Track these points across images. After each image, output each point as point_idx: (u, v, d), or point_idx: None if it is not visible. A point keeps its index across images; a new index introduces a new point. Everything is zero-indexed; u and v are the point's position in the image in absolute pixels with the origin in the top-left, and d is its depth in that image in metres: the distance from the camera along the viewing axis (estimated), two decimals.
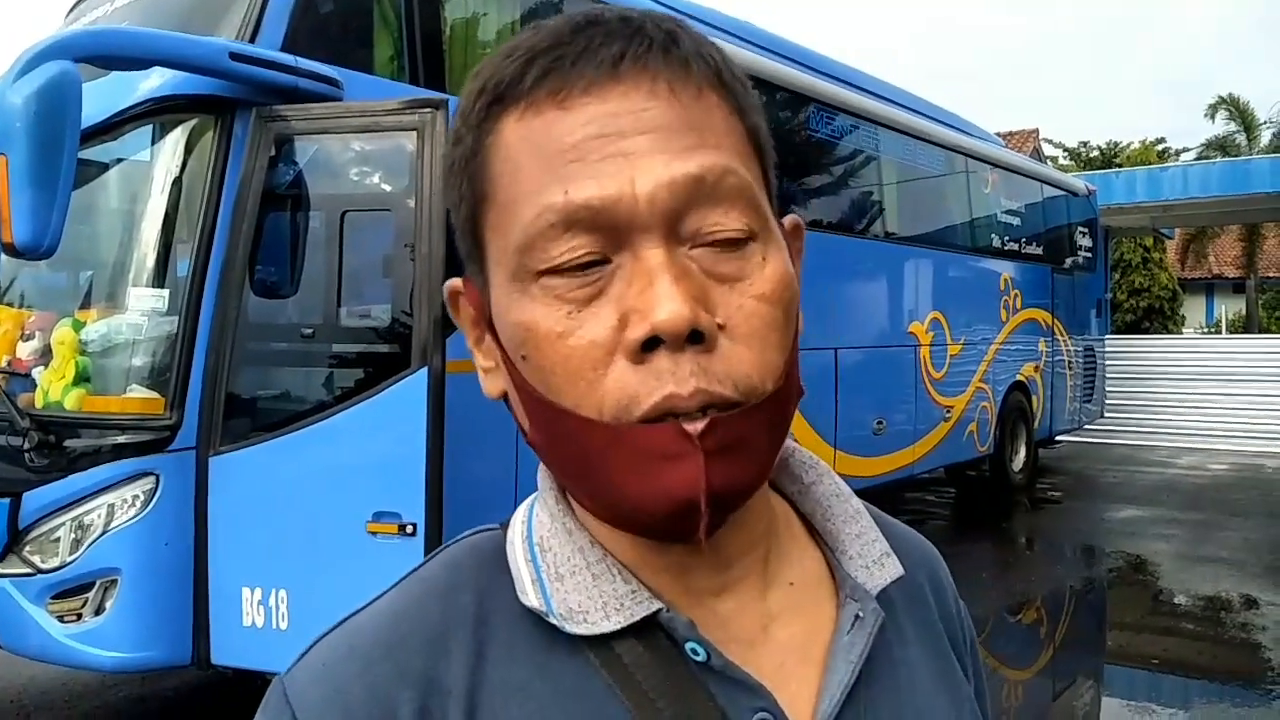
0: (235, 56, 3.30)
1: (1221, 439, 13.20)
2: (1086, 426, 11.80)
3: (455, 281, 0.58)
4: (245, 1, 3.57)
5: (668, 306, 0.46)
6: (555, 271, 0.48)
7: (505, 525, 0.59)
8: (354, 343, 3.63)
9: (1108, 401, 12.39)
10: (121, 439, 3.46)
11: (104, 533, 3.41)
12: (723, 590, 0.56)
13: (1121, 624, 6.02)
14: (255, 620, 3.41)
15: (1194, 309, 27.90)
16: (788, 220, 0.57)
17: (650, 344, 0.47)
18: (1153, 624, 5.84)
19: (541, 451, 0.54)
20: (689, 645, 0.52)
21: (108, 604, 3.42)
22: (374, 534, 3.33)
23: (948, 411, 8.07)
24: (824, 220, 6.73)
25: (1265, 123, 23.00)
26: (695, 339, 0.47)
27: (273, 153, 3.46)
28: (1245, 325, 22.85)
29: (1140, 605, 6.35)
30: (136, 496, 3.43)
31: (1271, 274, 24.34)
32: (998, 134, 14.61)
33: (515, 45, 0.51)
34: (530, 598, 0.54)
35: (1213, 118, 23.33)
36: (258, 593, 3.41)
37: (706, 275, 0.49)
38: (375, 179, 3.62)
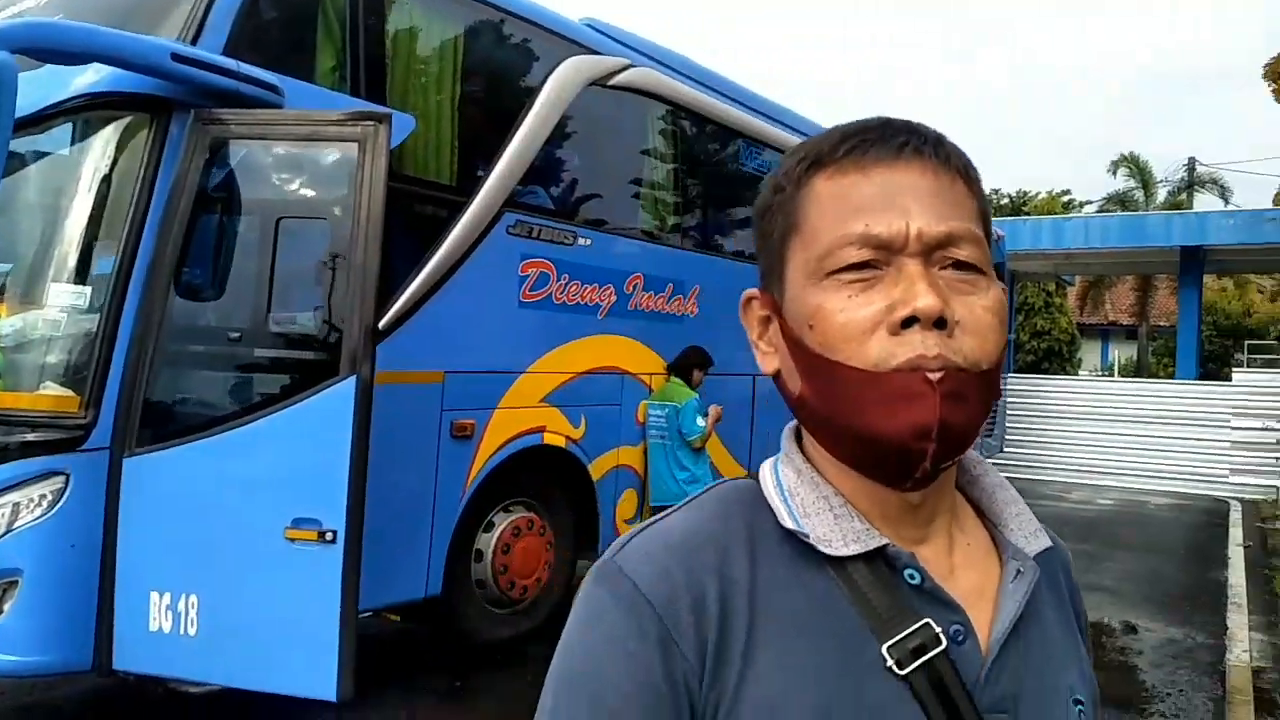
0: (177, 57, 3.29)
1: (1110, 475, 13.91)
2: (987, 460, 12.27)
3: (751, 290, 0.79)
4: (189, 3, 3.56)
5: (926, 299, 0.66)
6: (842, 270, 0.68)
7: (753, 476, 0.78)
8: (282, 349, 3.62)
9: (1008, 437, 12.93)
10: (31, 436, 3.38)
11: (7, 532, 3.33)
12: (923, 541, 0.75)
13: None
14: (162, 625, 3.37)
15: (1091, 353, 29.29)
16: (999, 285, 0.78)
17: (908, 323, 0.66)
18: None
19: (807, 403, 0.73)
20: (907, 571, 0.71)
21: (6, 605, 3.34)
22: (292, 540, 3.33)
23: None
24: (744, 250, 6.93)
25: (1162, 181, 24.44)
26: (940, 325, 0.66)
27: (209, 156, 3.44)
28: (1136, 370, 24.06)
29: None
30: (44, 496, 3.35)
31: (1162, 323, 25.69)
32: None
33: (830, 132, 0.74)
34: (789, 522, 0.72)
35: (1115, 173, 24.69)
36: (166, 597, 3.36)
37: (950, 288, 0.68)
38: (314, 187, 3.63)
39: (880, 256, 0.68)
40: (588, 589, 0.71)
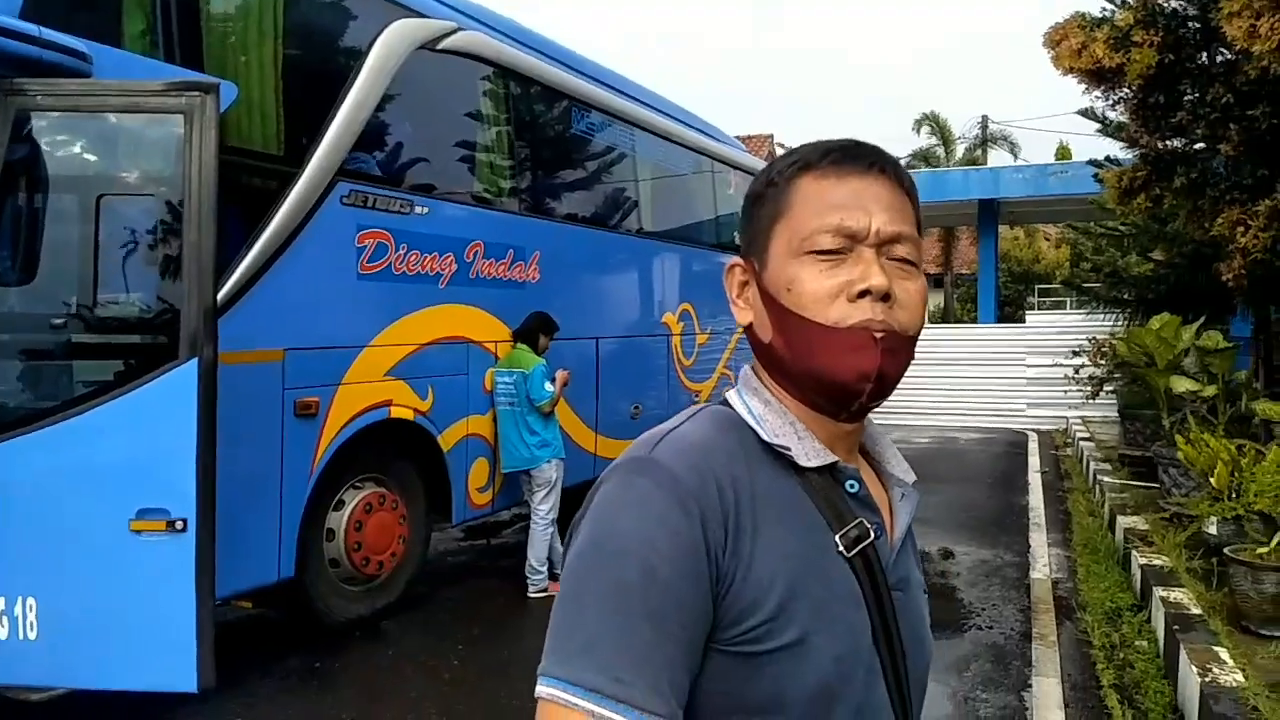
0: None
1: (924, 416, 15.00)
2: None
3: (735, 259, 0.99)
4: None
5: (878, 279, 0.88)
6: (818, 253, 0.89)
7: (725, 404, 0.97)
8: (113, 333, 3.43)
9: None
10: None
11: None
12: (851, 462, 0.97)
13: None
14: None
15: None
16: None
17: (863, 294, 0.87)
18: None
19: (776, 349, 0.93)
20: (849, 482, 0.94)
21: None
22: (138, 532, 3.20)
23: (696, 396, 8.65)
24: (583, 215, 7.02)
25: (960, 138, 26.14)
26: (885, 299, 0.88)
27: (12, 129, 3.19)
28: (943, 316, 25.82)
29: None
30: None
31: (964, 270, 27.68)
32: (737, 137, 15.61)
33: (817, 144, 0.95)
34: (770, 438, 0.92)
35: (918, 131, 26.21)
36: (0, 602, 3.17)
37: (893, 274, 0.90)
38: (138, 162, 3.43)
39: (847, 244, 0.90)
40: (623, 480, 0.87)
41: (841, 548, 0.91)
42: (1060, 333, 14.37)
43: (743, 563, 0.84)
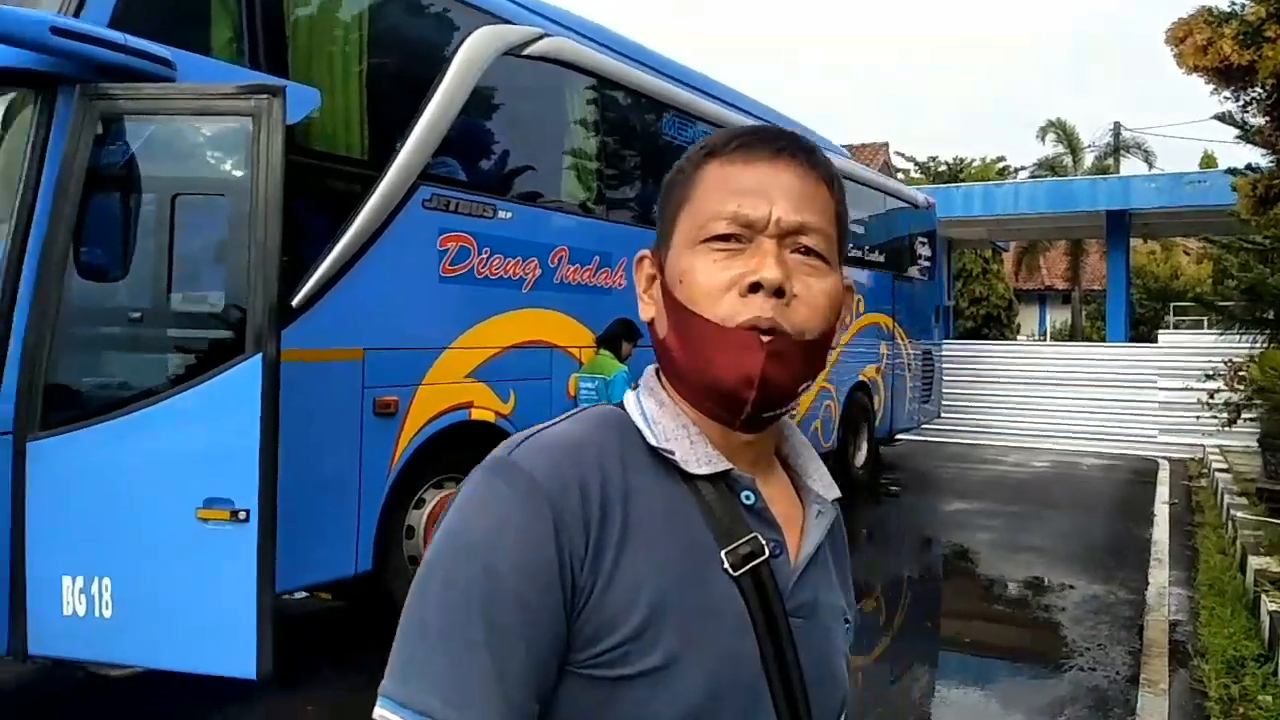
0: (58, 31, 3.18)
1: (1045, 438, 14.27)
2: (924, 426, 12.54)
3: (644, 250, 0.92)
4: None
5: (771, 272, 0.80)
6: (713, 239, 0.82)
7: (619, 405, 0.90)
8: (186, 328, 3.57)
9: (945, 402, 13.19)
10: None
11: None
12: (752, 474, 0.88)
13: (948, 610, 6.47)
14: (76, 609, 3.32)
15: (1029, 318, 29.90)
16: (845, 281, 0.91)
17: (755, 288, 0.80)
18: (972, 609, 6.31)
19: (669, 347, 0.86)
20: (744, 493, 0.86)
21: None
22: (204, 520, 3.30)
23: (794, 409, 8.45)
24: None
25: (1089, 146, 24.93)
26: (779, 294, 0.80)
27: (99, 132, 3.36)
28: (1070, 334, 24.63)
29: (964, 592, 6.84)
30: None
31: (1095, 286, 26.30)
32: (848, 146, 15.31)
33: (728, 130, 0.89)
34: (655, 441, 0.85)
35: (1043, 139, 25.12)
36: (79, 581, 3.32)
37: (795, 268, 0.82)
38: (210, 163, 3.57)
39: (745, 233, 0.83)
40: (481, 480, 0.81)
41: (728, 565, 0.83)
42: (1196, 354, 13.41)
43: (603, 575, 0.77)
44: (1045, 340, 26.95)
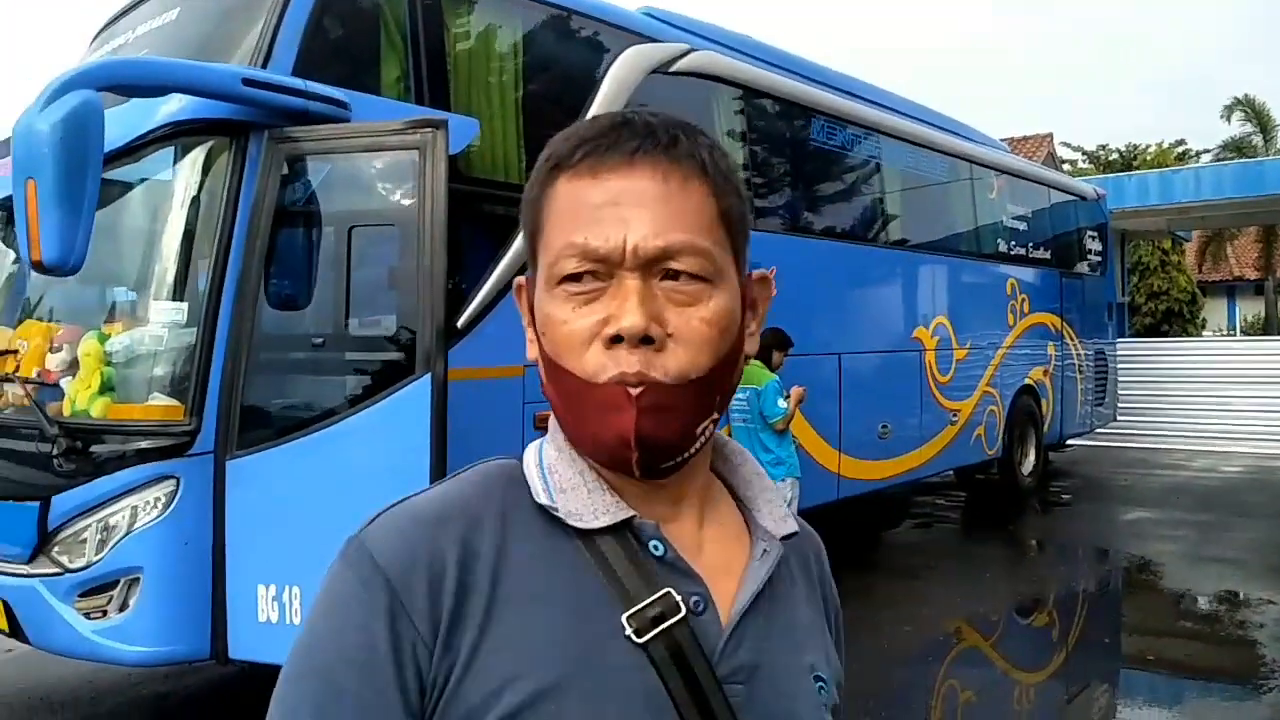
0: (248, 82, 3.48)
1: (1236, 441, 13.16)
2: (1099, 430, 11.82)
3: (520, 279, 0.81)
4: (258, 28, 3.76)
5: (631, 318, 0.69)
6: (567, 279, 0.71)
7: (516, 458, 0.82)
8: (361, 351, 3.80)
9: (1121, 405, 12.40)
10: (144, 444, 3.64)
11: (128, 533, 3.59)
12: (674, 519, 0.78)
13: (1129, 626, 6.08)
14: (270, 616, 3.57)
15: (1215, 311, 27.71)
16: (757, 273, 0.81)
17: (617, 339, 0.70)
18: (1155, 625, 5.91)
19: (550, 398, 0.77)
20: (652, 543, 0.75)
21: (131, 601, 3.59)
22: None
23: (954, 415, 8.16)
24: (828, 228, 6.86)
25: None
26: (647, 341, 0.70)
27: (284, 172, 3.63)
28: (1264, 327, 22.67)
29: (1146, 606, 6.41)
30: (158, 499, 3.60)
31: None
32: (1009, 139, 14.67)
33: (573, 132, 0.75)
34: (543, 497, 0.75)
35: (1229, 119, 23.23)
36: (272, 589, 3.57)
37: (668, 299, 0.71)
38: (380, 195, 3.79)
39: (601, 269, 0.71)
40: (334, 567, 0.73)
41: (630, 631, 0.70)
42: None
43: (462, 658, 0.68)
44: (1235, 335, 24.92)
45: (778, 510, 0.83)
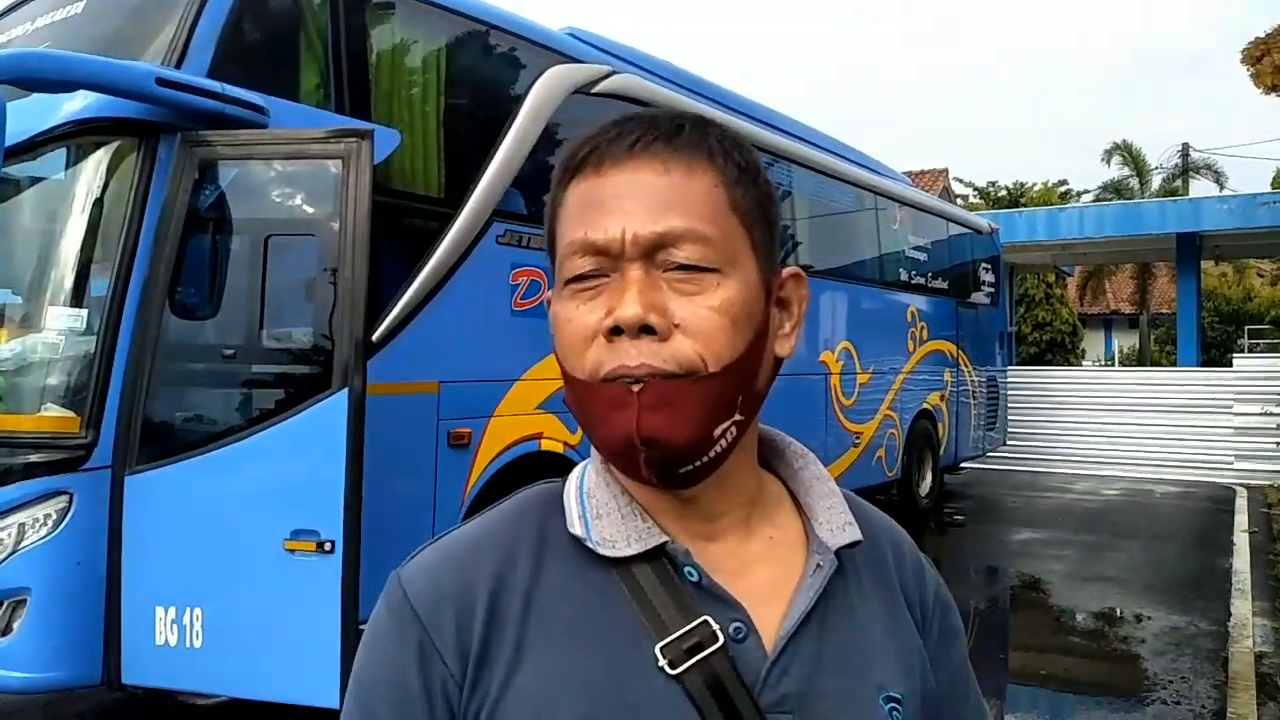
0: (161, 82, 3.34)
1: (1115, 465, 13.92)
2: (990, 453, 12.32)
3: (549, 293, 0.78)
4: (172, 26, 3.62)
5: (628, 309, 0.67)
6: (573, 280, 0.71)
7: (562, 481, 0.80)
8: (275, 364, 3.68)
9: (1010, 430, 12.95)
10: (34, 458, 3.45)
11: (13, 552, 3.39)
12: (713, 536, 0.75)
13: (1019, 643, 6.32)
14: (169, 639, 3.42)
15: (1094, 343, 29.26)
16: (788, 270, 0.79)
17: (616, 331, 0.67)
18: (1045, 641, 6.16)
19: (571, 410, 0.74)
20: (686, 569, 0.72)
21: (15, 624, 3.39)
22: (292, 551, 3.38)
23: (857, 438, 8.38)
24: None
25: (1156, 168, 24.44)
26: (649, 331, 0.67)
27: (197, 176, 3.50)
28: (1139, 359, 24.03)
29: (1035, 623, 6.68)
30: (49, 515, 3.41)
31: (1163, 310, 25.68)
32: (908, 173, 15.22)
33: (582, 135, 0.75)
34: (576, 528, 0.74)
35: (1109, 162, 24.68)
36: (171, 611, 3.42)
37: (674, 290, 0.69)
38: (300, 205, 3.70)
39: (604, 264, 0.70)
40: (378, 605, 0.75)
41: (664, 663, 0.68)
42: (1272, 378, 13.02)
43: (492, 694, 0.68)
44: (1113, 365, 26.33)
45: (838, 518, 0.78)
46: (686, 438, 0.68)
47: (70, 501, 3.42)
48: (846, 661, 0.74)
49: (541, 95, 5.06)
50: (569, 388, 0.73)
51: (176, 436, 3.58)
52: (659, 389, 0.67)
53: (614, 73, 5.62)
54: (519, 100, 4.99)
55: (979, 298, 11.36)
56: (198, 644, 3.42)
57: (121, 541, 3.43)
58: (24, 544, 3.40)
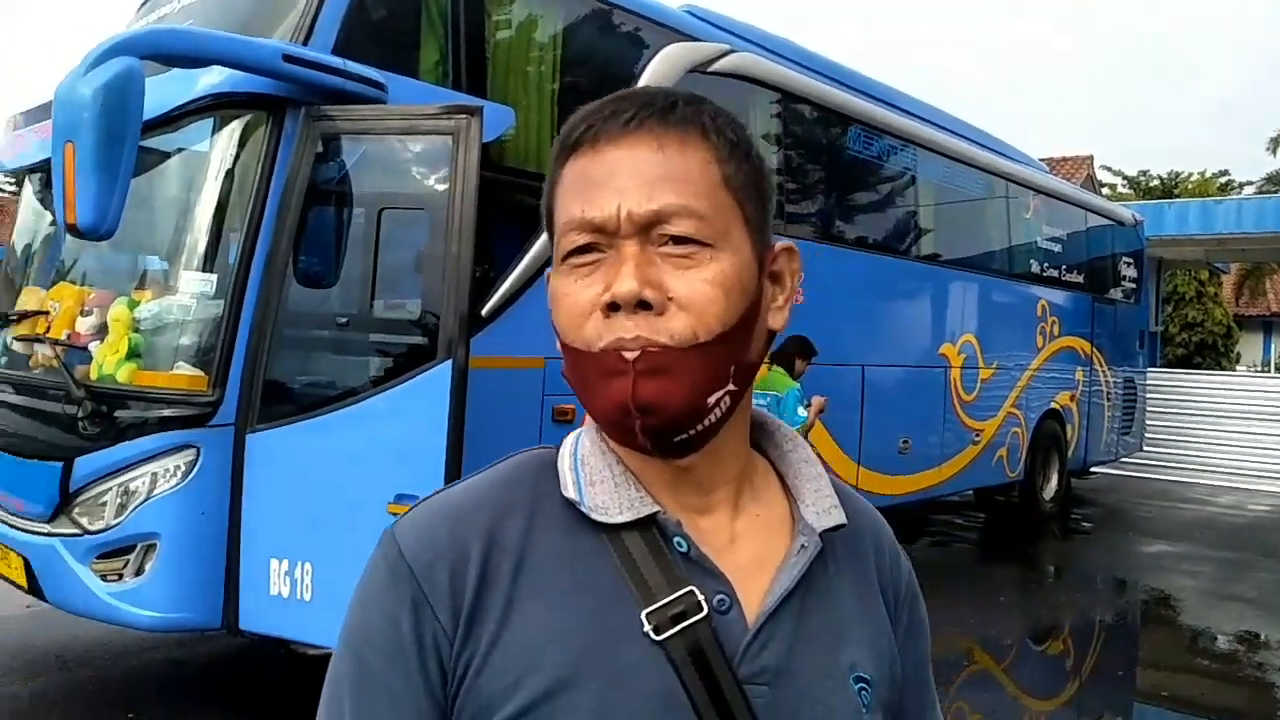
0: (288, 58, 3.50)
1: (1264, 480, 12.93)
2: (1124, 459, 11.67)
3: (550, 270, 0.80)
4: (300, 6, 3.78)
5: (624, 285, 0.69)
6: (571, 254, 0.72)
7: (556, 447, 0.82)
8: (385, 333, 3.81)
9: (1148, 435, 12.23)
10: (167, 412, 3.68)
11: (147, 499, 3.62)
12: (704, 510, 0.78)
13: (1145, 659, 5.99)
14: (281, 590, 3.60)
15: (1251, 346, 27.26)
16: (781, 244, 0.80)
17: (614, 306, 0.70)
18: (1171, 661, 5.81)
19: (568, 380, 0.77)
20: (676, 539, 0.74)
21: (147, 566, 3.63)
22: (395, 515, 3.50)
23: (977, 435, 8.08)
24: (859, 238, 6.81)
25: None
26: (645, 306, 0.69)
27: (319, 150, 3.66)
28: None
29: (1163, 641, 6.31)
30: (178, 467, 3.64)
31: None
32: (1048, 159, 14.52)
33: (578, 113, 0.76)
34: (569, 491, 0.76)
35: (1274, 152, 22.88)
36: (284, 564, 3.59)
37: (669, 264, 0.71)
38: (413, 179, 3.81)
39: (601, 240, 0.72)
40: (373, 555, 0.77)
41: (649, 629, 0.70)
42: None
43: (481, 650, 0.70)
44: (1270, 371, 24.51)
45: (823, 501, 0.81)
46: (681, 404, 0.71)
47: (198, 455, 3.64)
48: (822, 640, 0.77)
49: (657, 74, 5.05)
50: (567, 358, 0.75)
51: (293, 398, 3.75)
52: (654, 357, 0.69)
53: (731, 51, 5.55)
54: (635, 79, 5.00)
55: (1118, 293, 10.75)
56: (307, 597, 3.58)
57: (242, 495, 3.62)
58: (156, 492, 3.63)
